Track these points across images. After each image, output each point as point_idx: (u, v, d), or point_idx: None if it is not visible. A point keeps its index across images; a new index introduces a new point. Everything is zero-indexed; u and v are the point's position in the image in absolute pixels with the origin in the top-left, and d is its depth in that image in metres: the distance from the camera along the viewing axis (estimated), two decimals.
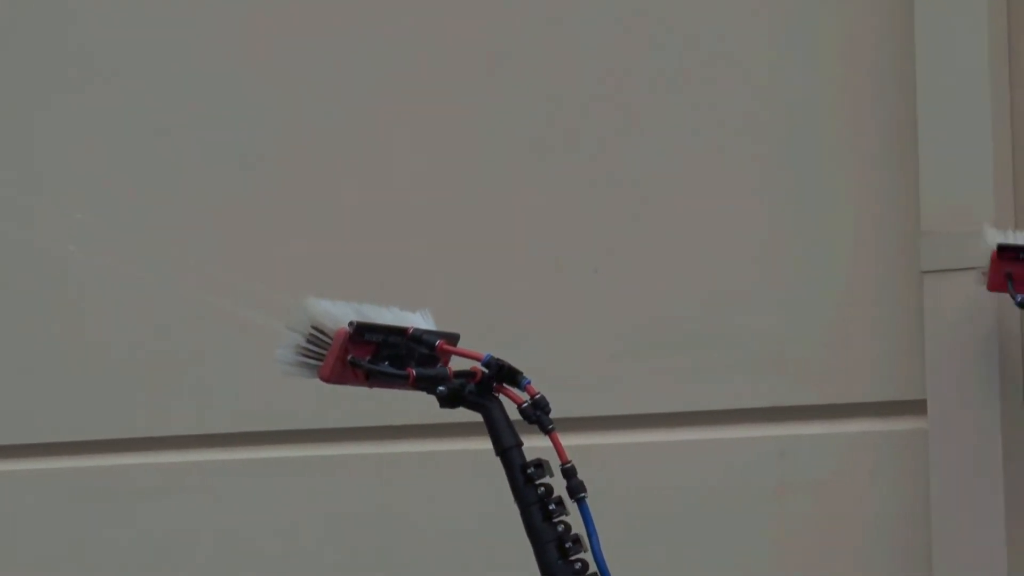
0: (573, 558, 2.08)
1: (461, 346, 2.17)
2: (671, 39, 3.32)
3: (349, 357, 2.10)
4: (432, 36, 3.51)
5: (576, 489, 2.08)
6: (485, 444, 2.38)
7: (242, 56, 3.74)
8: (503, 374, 2.13)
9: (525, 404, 2.11)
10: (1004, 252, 2.56)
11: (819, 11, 3.16)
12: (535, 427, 2.12)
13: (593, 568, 2.07)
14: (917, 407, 2.92)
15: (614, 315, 3.11)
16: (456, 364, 2.19)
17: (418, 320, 2.18)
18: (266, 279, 3.55)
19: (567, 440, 2.12)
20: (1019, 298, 2.52)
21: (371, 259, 3.46)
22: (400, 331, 2.14)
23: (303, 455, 3.58)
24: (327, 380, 2.12)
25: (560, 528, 2.09)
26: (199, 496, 3.68)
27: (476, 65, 3.46)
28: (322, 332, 2.11)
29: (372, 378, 2.12)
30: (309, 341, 2.12)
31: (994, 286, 2.56)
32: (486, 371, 2.13)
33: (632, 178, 3.30)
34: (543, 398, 2.11)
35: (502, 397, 2.14)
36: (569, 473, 2.10)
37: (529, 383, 2.13)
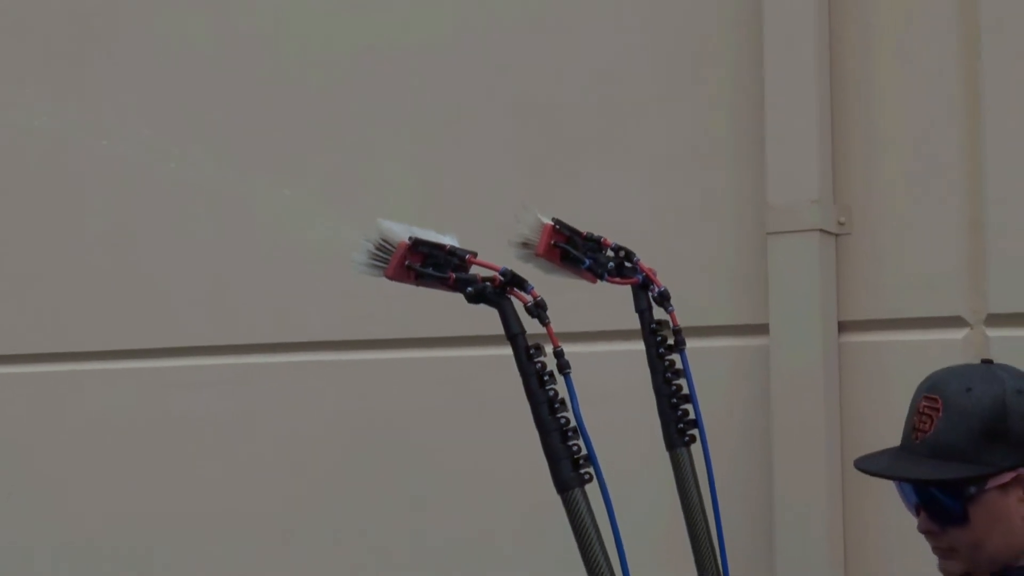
0: (559, 415, 2.51)
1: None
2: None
3: (407, 262, 2.57)
4: None
5: (564, 366, 2.51)
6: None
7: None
8: (514, 281, 2.56)
9: (529, 304, 2.53)
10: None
11: (684, 30, 3.63)
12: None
13: (573, 424, 2.51)
14: (761, 329, 3.48)
15: None
16: None
17: (450, 240, 2.61)
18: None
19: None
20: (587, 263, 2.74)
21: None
22: (441, 247, 2.58)
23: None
24: (390, 278, 2.58)
25: (551, 393, 2.52)
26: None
27: None
28: (388, 243, 2.57)
29: (421, 279, 2.58)
30: (378, 249, 2.57)
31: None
32: (502, 278, 2.55)
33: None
34: (543, 300, 2.54)
35: (513, 299, 2.56)
36: (559, 355, 2.52)
37: (532, 288, 2.56)
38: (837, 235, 3.43)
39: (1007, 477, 2.34)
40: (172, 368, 4.23)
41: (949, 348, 3.33)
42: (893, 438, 3.33)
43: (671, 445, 2.86)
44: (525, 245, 2.73)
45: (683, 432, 2.85)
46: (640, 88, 3.69)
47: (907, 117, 3.41)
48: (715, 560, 2.84)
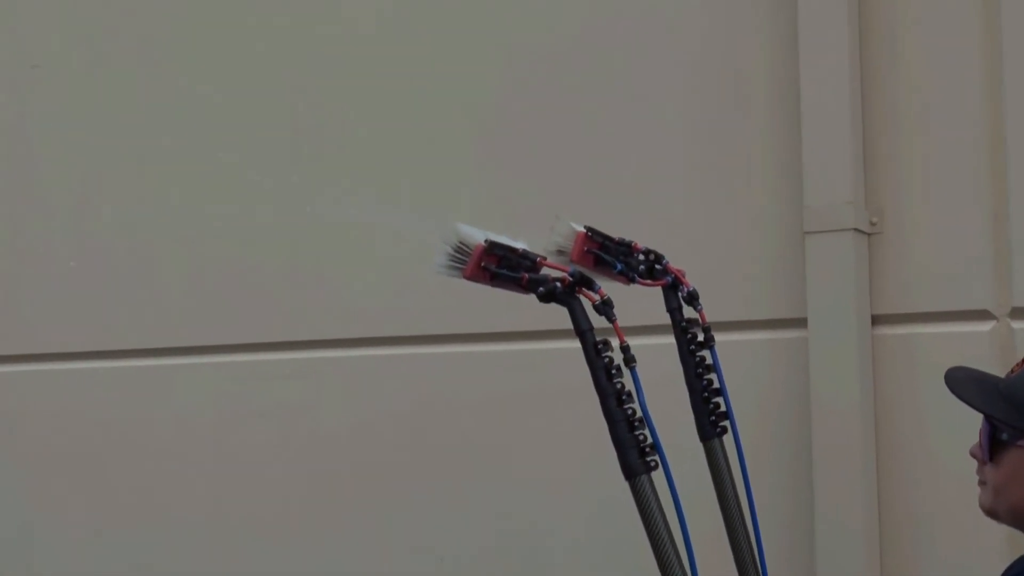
0: (626, 406, 2.60)
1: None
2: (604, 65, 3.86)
3: (483, 264, 2.65)
4: None
5: (630, 360, 2.60)
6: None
7: None
8: (583, 281, 2.63)
9: (597, 302, 2.62)
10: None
11: (720, 35, 3.72)
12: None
13: (639, 414, 2.59)
14: (801, 323, 3.56)
15: None
16: None
17: (522, 245, 2.69)
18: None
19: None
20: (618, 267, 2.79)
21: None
22: (514, 250, 2.67)
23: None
24: (467, 278, 2.66)
25: (618, 385, 2.60)
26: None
27: None
28: (466, 246, 2.65)
29: (496, 279, 2.66)
30: (456, 251, 2.66)
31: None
32: (571, 279, 2.63)
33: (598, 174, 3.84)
34: (610, 299, 2.61)
35: (582, 298, 2.63)
36: (625, 349, 2.61)
37: (600, 288, 2.64)
38: (870, 234, 3.53)
39: None
40: (233, 363, 4.33)
41: (976, 340, 3.43)
42: (924, 425, 3.51)
43: (704, 437, 2.95)
44: (560, 253, 2.81)
45: (715, 424, 2.94)
46: (685, 99, 3.78)
47: (932, 121, 3.50)
48: (750, 545, 2.92)
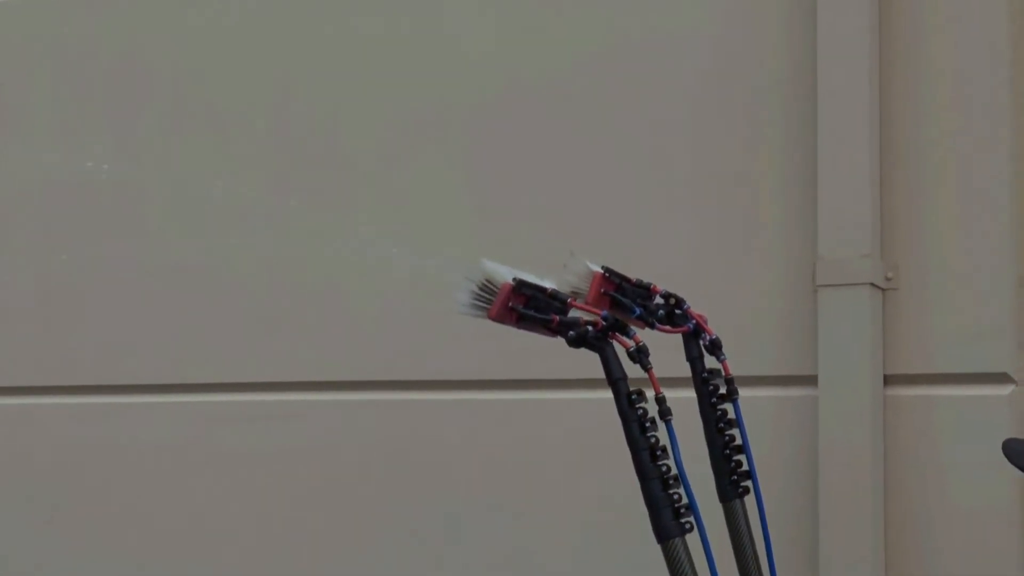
0: (660, 463, 2.42)
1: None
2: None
3: (510, 304, 2.47)
4: None
5: (665, 412, 2.43)
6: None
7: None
8: (616, 325, 2.46)
9: (631, 349, 2.44)
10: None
11: (737, 83, 3.58)
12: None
13: (674, 471, 2.42)
14: (811, 380, 3.41)
15: None
16: None
17: (550, 284, 2.53)
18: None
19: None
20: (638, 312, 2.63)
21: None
22: (543, 289, 2.50)
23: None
24: (493, 319, 2.48)
25: (652, 440, 2.42)
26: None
27: None
28: (492, 284, 2.47)
29: (523, 321, 2.48)
30: (481, 289, 2.48)
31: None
32: (604, 323, 2.46)
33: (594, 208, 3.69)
34: (644, 345, 2.44)
35: (615, 343, 2.46)
36: (661, 401, 2.43)
37: (635, 334, 2.46)
38: (885, 289, 3.38)
39: None
40: (210, 403, 4.10)
41: (994, 404, 3.29)
42: (937, 490, 3.36)
43: (724, 497, 2.75)
44: (575, 294, 2.63)
45: (736, 484, 2.75)
46: (695, 146, 3.62)
47: (953, 174, 3.36)
48: None
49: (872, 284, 3.34)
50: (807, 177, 3.44)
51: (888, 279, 3.37)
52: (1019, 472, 2.33)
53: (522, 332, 2.55)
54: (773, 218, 3.52)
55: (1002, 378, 3.30)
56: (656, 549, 2.47)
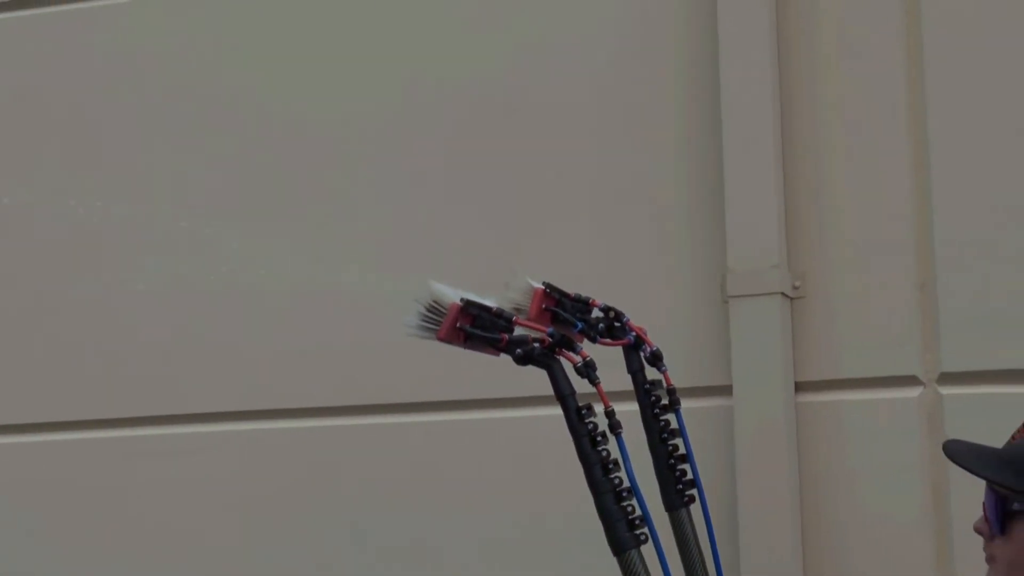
0: (612, 476, 2.41)
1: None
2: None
3: (458, 324, 2.44)
4: None
5: (615, 426, 2.42)
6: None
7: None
8: (563, 342, 2.45)
9: (579, 364, 2.42)
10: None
11: (642, 101, 3.62)
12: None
13: (626, 484, 2.41)
14: (725, 390, 3.44)
15: None
16: None
17: (491, 302, 2.51)
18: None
19: None
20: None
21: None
22: (488, 309, 2.48)
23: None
24: (441, 340, 2.45)
25: (604, 454, 2.41)
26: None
27: None
28: (440, 305, 2.45)
29: (471, 340, 2.46)
30: (429, 311, 2.45)
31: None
32: (551, 339, 2.44)
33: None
34: (592, 360, 2.42)
35: (562, 359, 2.45)
36: (610, 415, 2.42)
37: (582, 349, 2.45)
38: (793, 299, 3.42)
39: None
40: (132, 437, 4.01)
41: (903, 407, 3.36)
42: (851, 492, 3.42)
43: (671, 507, 2.74)
44: (517, 310, 2.60)
45: (682, 493, 2.74)
46: (601, 163, 3.65)
47: (857, 183, 3.43)
48: None
49: (782, 294, 3.39)
50: (714, 192, 3.48)
51: (796, 288, 3.42)
52: (969, 473, 2.36)
53: (467, 351, 2.53)
54: (681, 233, 3.55)
55: (910, 381, 3.37)
56: (612, 561, 2.46)
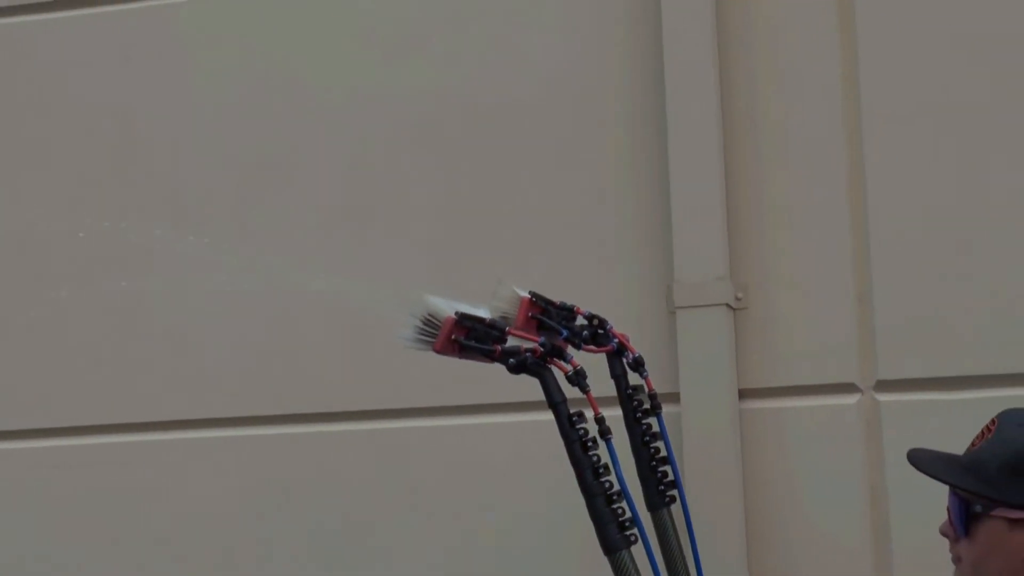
0: (603, 479, 2.51)
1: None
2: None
3: (453, 336, 2.53)
4: None
5: (605, 432, 2.53)
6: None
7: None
8: (554, 351, 2.56)
9: (570, 372, 2.54)
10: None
11: (588, 115, 3.69)
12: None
13: (617, 487, 2.51)
14: (673, 398, 3.50)
15: None
16: None
17: (484, 313, 2.60)
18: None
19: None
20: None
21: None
22: (481, 320, 2.56)
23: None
24: (438, 352, 2.54)
25: (595, 458, 2.51)
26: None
27: None
28: (435, 318, 2.53)
29: (465, 352, 2.55)
30: (425, 324, 2.53)
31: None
32: (543, 349, 2.55)
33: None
34: (583, 369, 2.53)
35: (554, 368, 2.55)
36: (600, 421, 2.53)
37: (572, 358, 2.56)
38: (736, 309, 3.53)
39: (1017, 514, 2.35)
40: (54, 448, 4.01)
41: (842, 413, 3.48)
42: (794, 496, 3.52)
43: (653, 507, 2.85)
44: (503, 319, 2.69)
45: (663, 494, 2.85)
46: (547, 176, 3.72)
47: (797, 198, 3.54)
48: None
49: (726, 305, 3.49)
50: (661, 208, 3.57)
51: (739, 299, 3.53)
52: (934, 479, 2.46)
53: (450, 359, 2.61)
54: (629, 246, 3.64)
55: (849, 388, 3.49)
56: (603, 561, 2.55)
